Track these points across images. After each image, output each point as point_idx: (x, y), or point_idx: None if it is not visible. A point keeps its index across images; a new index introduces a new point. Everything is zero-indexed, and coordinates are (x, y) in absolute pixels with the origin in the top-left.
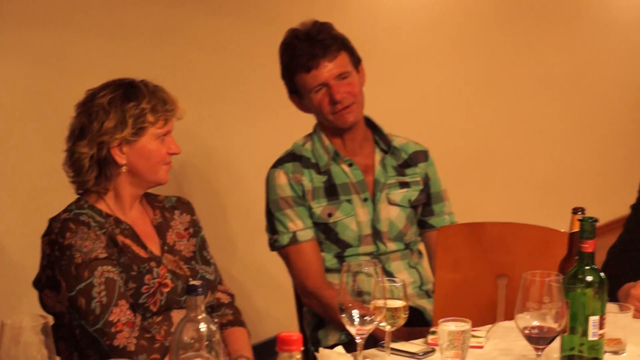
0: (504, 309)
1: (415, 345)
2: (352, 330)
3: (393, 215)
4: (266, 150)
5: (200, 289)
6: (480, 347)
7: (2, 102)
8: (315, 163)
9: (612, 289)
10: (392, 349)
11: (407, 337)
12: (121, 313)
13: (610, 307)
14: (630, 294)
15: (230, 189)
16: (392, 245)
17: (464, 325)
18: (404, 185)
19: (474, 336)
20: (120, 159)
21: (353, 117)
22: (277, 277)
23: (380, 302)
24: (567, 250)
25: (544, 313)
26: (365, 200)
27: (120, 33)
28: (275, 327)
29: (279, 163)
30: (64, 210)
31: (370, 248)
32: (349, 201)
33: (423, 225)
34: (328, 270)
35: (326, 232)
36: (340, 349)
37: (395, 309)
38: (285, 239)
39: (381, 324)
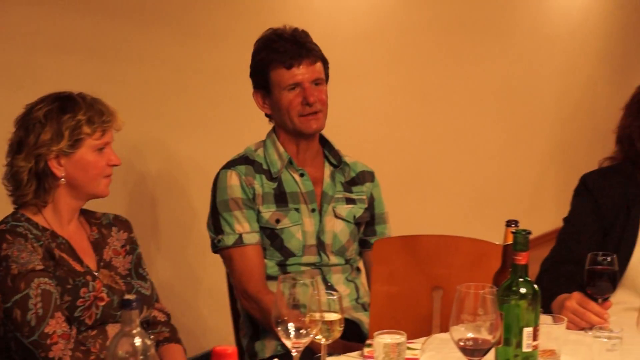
0: (439, 321)
1: (351, 359)
2: (287, 343)
3: (338, 229)
4: (207, 163)
5: (134, 303)
6: None
7: None
8: (266, 169)
9: (546, 301)
10: None
11: (344, 350)
12: (57, 325)
13: (544, 318)
14: (564, 305)
15: (170, 202)
16: (334, 259)
17: (400, 338)
18: (350, 201)
19: (409, 348)
20: (58, 171)
21: (317, 125)
22: (217, 288)
23: (316, 315)
24: (501, 263)
25: (478, 325)
26: (313, 210)
27: (58, 47)
28: (215, 341)
29: (231, 164)
30: (0, 222)
31: (313, 259)
32: (297, 210)
33: (364, 245)
34: (269, 277)
35: (272, 238)
36: None
37: (331, 322)
38: (230, 240)
39: (317, 337)
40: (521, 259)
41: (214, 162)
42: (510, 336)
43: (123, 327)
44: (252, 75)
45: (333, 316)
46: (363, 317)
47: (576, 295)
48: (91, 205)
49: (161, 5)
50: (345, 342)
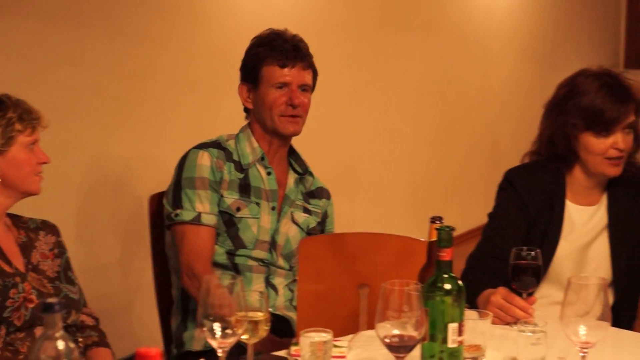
0: (366, 319)
1: (279, 357)
2: (213, 343)
3: (291, 233)
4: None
5: (56, 306)
6: (343, 357)
7: None
8: (237, 160)
9: (472, 296)
10: None
11: (273, 348)
12: None
13: (470, 314)
14: (490, 300)
15: (94, 202)
16: (281, 261)
17: (326, 336)
18: (307, 211)
19: (336, 346)
20: None
21: (294, 129)
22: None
23: (241, 315)
24: (426, 259)
25: (404, 322)
26: (273, 209)
27: None
28: (146, 343)
29: (204, 146)
30: None
31: (263, 254)
32: (257, 204)
33: None
34: (216, 264)
35: (229, 224)
36: None
37: (257, 321)
38: (189, 215)
39: (243, 337)
40: (445, 255)
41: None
42: (435, 332)
43: (46, 330)
44: (243, 67)
45: (259, 315)
46: (294, 316)
47: (501, 290)
48: (18, 207)
49: (77, 4)
50: (274, 338)
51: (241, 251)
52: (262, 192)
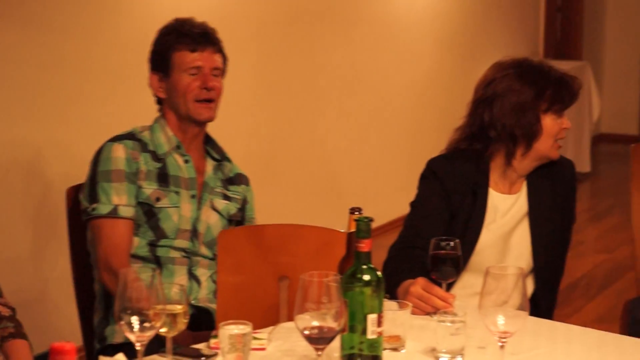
0: (286, 311)
1: (197, 350)
2: (131, 337)
3: (212, 221)
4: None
5: None
6: (263, 349)
7: None
8: (152, 150)
9: (393, 287)
10: (175, 353)
11: (194, 341)
12: None
13: (390, 304)
14: (409, 291)
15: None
16: (204, 249)
17: (245, 328)
18: (226, 197)
19: (255, 338)
20: None
21: (209, 114)
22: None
23: (159, 308)
24: (345, 250)
25: (323, 313)
26: (193, 197)
27: None
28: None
29: (118, 139)
30: None
31: (185, 244)
32: (177, 193)
33: None
34: (138, 258)
35: (149, 215)
36: (121, 356)
37: (175, 314)
38: (105, 209)
39: (161, 330)
40: (364, 246)
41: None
42: (355, 323)
43: None
44: (153, 57)
45: (177, 308)
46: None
47: (420, 280)
48: None
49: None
50: (195, 332)
51: (163, 241)
52: (181, 181)
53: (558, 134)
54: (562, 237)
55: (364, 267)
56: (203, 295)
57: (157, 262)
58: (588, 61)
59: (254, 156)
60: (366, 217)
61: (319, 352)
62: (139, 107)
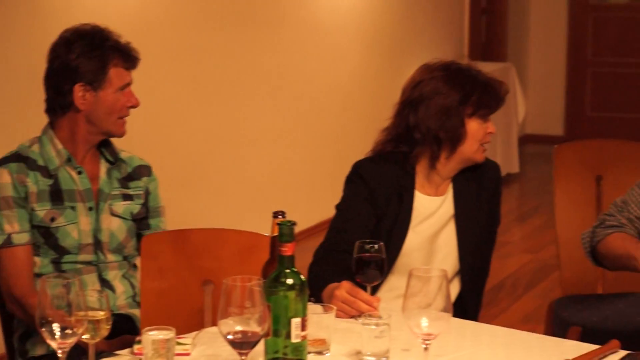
0: (211, 315)
1: (121, 356)
2: (53, 344)
3: (114, 227)
4: None
5: None
6: (187, 354)
7: None
8: (43, 166)
9: (318, 290)
10: None
11: (119, 347)
12: None
13: (314, 308)
14: (334, 295)
15: None
16: (111, 256)
17: (168, 333)
18: (127, 197)
19: (180, 344)
20: None
21: (125, 129)
22: None
23: (81, 314)
24: (269, 254)
25: (247, 318)
26: (91, 209)
27: None
28: None
29: (2, 162)
30: None
31: (89, 257)
32: (73, 208)
33: (139, 239)
34: (42, 275)
35: (46, 236)
36: None
37: (97, 321)
38: None
39: (83, 336)
40: (287, 250)
41: None
42: (279, 327)
43: None
44: (83, 67)
45: (99, 314)
46: (139, 314)
47: (345, 284)
48: None
49: None
50: (121, 338)
51: (66, 257)
52: (76, 194)
53: (483, 139)
54: (488, 239)
55: (288, 271)
56: (121, 301)
57: None
58: (513, 62)
59: (177, 159)
60: (289, 221)
61: (243, 357)
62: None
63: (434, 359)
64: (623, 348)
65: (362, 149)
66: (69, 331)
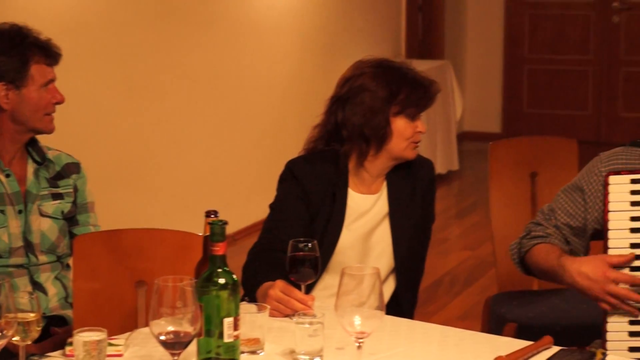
0: (145, 316)
1: (53, 358)
2: None
3: (45, 227)
4: None
5: None
6: (120, 355)
7: None
8: None
9: (252, 289)
10: None
11: (50, 349)
12: None
13: (248, 307)
14: (268, 294)
15: None
16: (43, 258)
17: (100, 335)
18: (57, 196)
19: (112, 344)
20: None
21: (53, 126)
22: None
23: (10, 316)
24: (202, 254)
25: (179, 318)
26: (20, 212)
27: None
28: None
29: None
30: None
31: (21, 260)
32: (2, 212)
33: (70, 237)
34: None
35: None
36: None
37: (28, 322)
38: None
39: (14, 338)
40: (219, 249)
41: None
42: (211, 327)
43: None
44: (3, 65)
45: (30, 316)
46: (72, 314)
47: (279, 283)
48: None
49: None
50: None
51: None
52: (5, 198)
53: (412, 137)
54: (422, 236)
55: (219, 270)
56: (53, 303)
57: None
58: (450, 60)
59: (110, 158)
60: (220, 220)
61: (175, 357)
62: None
63: (367, 357)
64: (559, 343)
65: (297, 148)
66: None
